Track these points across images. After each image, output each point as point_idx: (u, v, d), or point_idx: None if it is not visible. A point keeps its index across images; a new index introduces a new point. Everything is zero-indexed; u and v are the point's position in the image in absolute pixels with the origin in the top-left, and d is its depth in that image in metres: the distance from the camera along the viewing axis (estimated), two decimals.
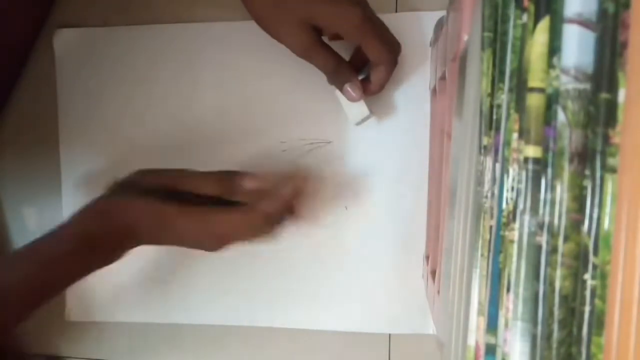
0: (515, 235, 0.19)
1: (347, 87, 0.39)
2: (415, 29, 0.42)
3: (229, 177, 0.38)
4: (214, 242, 0.37)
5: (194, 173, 0.39)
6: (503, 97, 0.20)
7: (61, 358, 0.50)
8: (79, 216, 0.37)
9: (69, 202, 0.48)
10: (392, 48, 0.38)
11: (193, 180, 0.38)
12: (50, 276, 0.36)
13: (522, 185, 0.19)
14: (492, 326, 0.20)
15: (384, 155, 0.44)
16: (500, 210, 0.20)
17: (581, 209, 0.17)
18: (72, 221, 0.37)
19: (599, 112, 0.16)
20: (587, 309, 0.17)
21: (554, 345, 0.17)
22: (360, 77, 0.40)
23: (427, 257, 0.39)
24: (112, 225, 0.36)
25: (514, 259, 0.19)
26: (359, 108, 0.40)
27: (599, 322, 0.16)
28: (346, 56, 0.41)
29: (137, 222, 0.36)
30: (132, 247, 0.37)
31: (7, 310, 0.35)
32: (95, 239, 0.36)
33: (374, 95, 0.41)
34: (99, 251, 0.36)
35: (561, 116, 0.17)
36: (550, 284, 0.18)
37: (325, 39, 0.38)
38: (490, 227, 0.21)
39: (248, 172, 0.39)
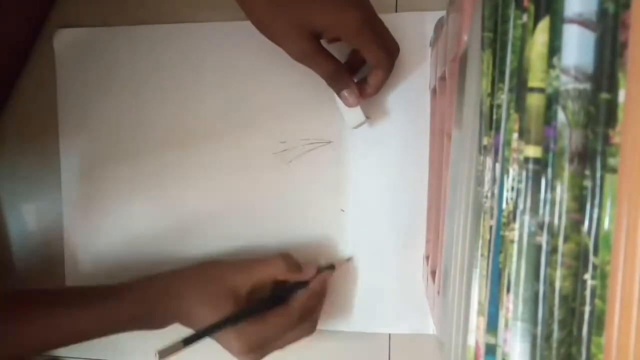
0: (515, 235, 0.19)
1: (344, 93, 0.39)
2: (415, 29, 0.42)
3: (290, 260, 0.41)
4: (256, 352, 0.38)
5: (258, 265, 0.40)
6: (503, 97, 0.20)
7: (61, 358, 0.50)
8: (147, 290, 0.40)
9: (69, 200, 0.48)
10: (390, 52, 0.38)
11: (258, 273, 0.39)
12: (96, 330, 0.39)
13: (522, 185, 0.19)
14: (492, 326, 0.20)
15: (384, 155, 0.44)
16: (500, 210, 0.20)
17: (581, 209, 0.17)
18: (136, 287, 0.39)
19: (599, 112, 0.16)
20: (587, 309, 0.16)
21: (554, 345, 0.17)
22: (357, 80, 0.40)
23: (427, 257, 0.39)
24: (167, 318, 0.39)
25: (514, 259, 0.19)
26: (356, 113, 0.41)
27: (599, 322, 0.16)
28: (343, 56, 0.41)
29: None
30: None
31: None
32: (152, 314, 0.39)
33: (373, 97, 0.41)
34: (147, 324, 0.40)
35: (561, 116, 0.17)
36: (550, 284, 0.18)
37: (323, 41, 0.38)
38: (490, 227, 0.21)
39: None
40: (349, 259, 0.44)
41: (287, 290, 0.40)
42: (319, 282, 0.40)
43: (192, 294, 0.38)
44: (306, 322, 0.39)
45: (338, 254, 0.45)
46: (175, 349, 0.36)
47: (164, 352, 0.36)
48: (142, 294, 0.39)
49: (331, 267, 0.42)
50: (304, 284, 0.40)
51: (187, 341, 0.36)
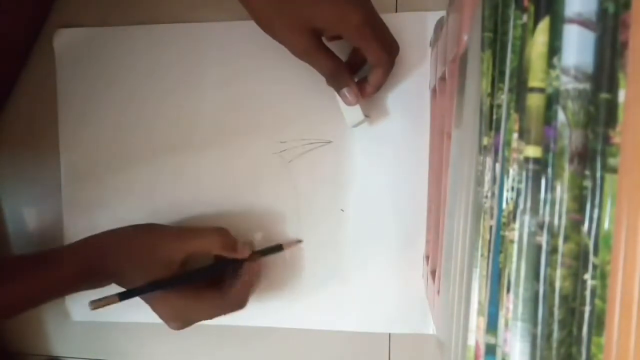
0: (515, 235, 0.19)
1: (344, 92, 0.39)
2: (415, 29, 0.42)
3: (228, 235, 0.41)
4: (184, 323, 0.40)
5: (194, 236, 0.41)
6: (503, 97, 0.20)
7: (61, 358, 0.50)
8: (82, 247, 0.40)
9: (69, 202, 0.48)
10: (390, 50, 0.38)
11: (193, 245, 0.40)
12: (45, 291, 0.39)
13: (522, 185, 0.19)
14: (492, 326, 0.20)
15: (384, 155, 0.44)
16: (500, 210, 0.20)
17: (581, 209, 0.17)
18: (72, 252, 0.40)
19: (599, 112, 0.16)
20: (587, 309, 0.16)
21: (554, 345, 0.17)
22: (357, 79, 0.40)
23: (427, 257, 0.39)
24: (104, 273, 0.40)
25: (514, 259, 0.19)
26: (355, 112, 0.41)
27: (599, 322, 0.16)
28: (344, 55, 0.41)
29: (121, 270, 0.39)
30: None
31: None
32: (91, 272, 0.39)
33: (373, 96, 0.41)
34: (88, 285, 0.40)
35: (561, 116, 0.17)
36: (550, 284, 0.17)
37: (324, 39, 0.38)
38: (490, 227, 0.21)
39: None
40: (299, 241, 0.44)
41: (221, 264, 0.41)
42: (251, 272, 0.41)
43: (126, 256, 0.39)
44: (238, 305, 0.41)
45: (338, 253, 0.45)
46: (108, 301, 0.38)
47: (98, 303, 0.37)
48: (83, 252, 0.39)
49: (278, 247, 0.43)
50: (239, 261, 0.41)
51: (122, 296, 0.38)
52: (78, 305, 0.49)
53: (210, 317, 0.40)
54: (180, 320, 0.39)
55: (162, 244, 0.39)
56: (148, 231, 0.41)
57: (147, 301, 0.40)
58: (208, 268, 0.41)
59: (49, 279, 0.38)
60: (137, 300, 0.47)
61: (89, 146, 0.48)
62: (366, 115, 0.41)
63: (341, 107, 0.41)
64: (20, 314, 0.40)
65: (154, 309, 0.40)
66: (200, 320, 0.40)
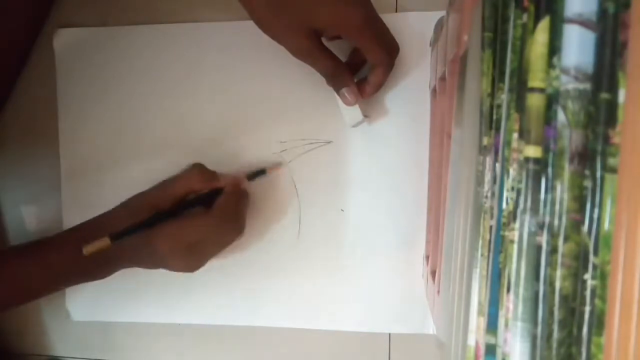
0: (515, 235, 0.19)
1: (344, 92, 0.39)
2: (415, 29, 0.42)
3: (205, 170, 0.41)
4: (189, 256, 0.39)
5: (175, 180, 0.41)
6: (503, 97, 0.20)
7: (61, 358, 0.50)
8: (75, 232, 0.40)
9: (69, 201, 0.48)
10: (390, 50, 0.38)
11: (176, 188, 0.40)
12: (44, 281, 0.39)
13: (522, 185, 0.19)
14: (492, 326, 0.20)
15: (384, 155, 0.44)
16: (500, 210, 0.20)
17: (581, 209, 0.17)
18: (72, 234, 0.40)
19: (599, 112, 0.16)
20: (587, 309, 0.17)
21: (554, 345, 0.17)
22: (357, 80, 0.40)
23: (427, 257, 0.39)
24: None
25: (514, 259, 0.19)
26: (354, 112, 0.41)
27: (599, 322, 0.16)
28: (343, 55, 0.41)
29: (121, 252, 0.39)
30: (119, 268, 0.41)
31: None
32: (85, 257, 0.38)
33: (373, 96, 0.41)
34: (88, 268, 0.40)
35: (561, 116, 0.17)
36: (550, 284, 0.18)
37: (323, 39, 0.38)
38: (490, 227, 0.21)
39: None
40: (280, 164, 0.44)
41: (205, 196, 0.41)
42: (232, 184, 0.41)
43: (121, 221, 0.39)
44: (231, 222, 0.40)
45: (338, 253, 0.45)
46: (102, 244, 0.37)
47: (91, 247, 0.37)
48: (74, 238, 0.39)
49: (261, 171, 0.43)
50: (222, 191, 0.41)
51: (114, 236, 0.37)
52: (78, 305, 0.49)
53: (214, 243, 0.39)
54: (184, 251, 0.38)
55: (150, 197, 0.40)
56: (137, 196, 0.41)
57: (147, 243, 0.38)
58: (193, 200, 0.41)
59: (47, 264, 0.38)
60: (136, 300, 0.47)
61: (88, 146, 0.48)
62: (365, 116, 0.41)
63: (340, 107, 0.41)
64: (21, 305, 0.40)
65: (156, 255, 0.39)
66: (209, 252, 0.40)
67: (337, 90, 0.40)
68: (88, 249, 0.37)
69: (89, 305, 0.48)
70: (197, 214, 0.39)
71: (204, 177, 0.41)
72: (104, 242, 0.37)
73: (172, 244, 0.38)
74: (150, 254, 0.39)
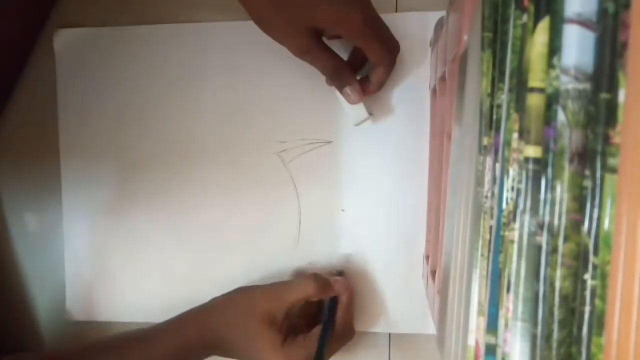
0: (515, 235, 0.19)
1: (347, 90, 0.39)
2: (415, 29, 0.42)
3: (321, 279, 0.40)
4: None
5: (290, 288, 0.39)
6: (503, 97, 0.20)
7: None
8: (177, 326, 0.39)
9: (70, 205, 0.48)
10: (391, 49, 0.39)
11: (292, 297, 0.39)
12: None
13: (522, 185, 0.19)
14: (492, 326, 0.20)
15: (384, 155, 0.44)
16: (500, 210, 0.20)
17: (581, 209, 0.17)
18: (168, 328, 0.39)
19: (599, 112, 0.16)
20: (587, 309, 0.16)
21: (554, 345, 0.17)
22: (359, 77, 0.40)
23: (427, 257, 0.39)
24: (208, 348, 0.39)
25: (514, 259, 0.19)
26: (358, 110, 0.41)
27: (599, 322, 0.16)
28: (344, 53, 0.41)
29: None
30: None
31: None
32: (189, 348, 0.38)
33: (374, 95, 0.41)
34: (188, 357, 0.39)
35: (561, 116, 0.17)
36: (550, 284, 0.17)
37: (324, 38, 0.38)
38: (490, 227, 0.21)
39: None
40: (348, 255, 0.44)
41: (331, 308, 0.40)
42: (348, 295, 0.41)
43: (226, 326, 0.38)
44: (345, 330, 0.40)
45: (338, 253, 0.44)
46: None
47: None
48: (175, 333, 0.39)
49: (341, 273, 0.43)
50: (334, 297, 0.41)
51: None
52: (78, 305, 0.49)
53: (329, 354, 0.39)
54: None
55: (261, 304, 0.38)
56: (244, 296, 0.40)
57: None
58: (328, 319, 0.40)
59: (147, 358, 0.38)
60: (137, 300, 0.47)
61: (89, 146, 0.48)
62: (370, 113, 0.41)
63: (344, 106, 0.41)
64: None
65: None
66: None
67: (340, 88, 0.40)
68: None
69: (89, 305, 0.48)
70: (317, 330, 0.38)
71: (321, 287, 0.39)
72: None
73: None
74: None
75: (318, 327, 0.39)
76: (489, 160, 0.21)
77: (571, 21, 0.17)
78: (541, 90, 0.18)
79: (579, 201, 0.17)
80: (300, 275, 0.41)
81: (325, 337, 0.38)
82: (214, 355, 0.39)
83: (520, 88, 0.19)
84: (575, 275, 0.17)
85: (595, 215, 0.17)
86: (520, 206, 0.19)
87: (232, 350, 0.39)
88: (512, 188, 0.19)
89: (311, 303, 0.40)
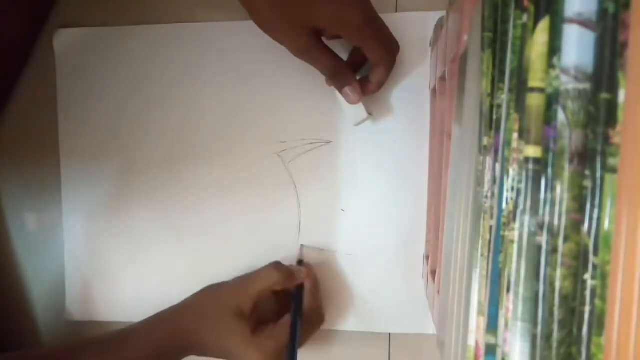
0: (515, 235, 0.19)
1: (347, 90, 0.39)
2: (415, 29, 0.42)
3: (284, 268, 0.41)
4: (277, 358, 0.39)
5: (254, 280, 0.40)
6: (503, 97, 0.20)
7: None
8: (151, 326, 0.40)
9: (69, 205, 0.48)
10: (391, 48, 0.39)
11: (255, 289, 0.40)
12: None
13: (522, 185, 0.19)
14: (492, 326, 0.20)
15: (383, 155, 0.44)
16: (500, 210, 0.20)
17: (581, 209, 0.17)
18: (141, 330, 0.40)
19: (599, 112, 0.16)
20: (587, 309, 0.16)
21: (554, 345, 0.17)
22: (358, 77, 0.40)
23: (427, 257, 0.39)
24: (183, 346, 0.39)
25: (514, 259, 0.19)
26: (358, 110, 0.41)
27: (599, 322, 0.16)
28: (344, 53, 0.41)
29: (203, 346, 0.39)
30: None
31: None
32: (163, 350, 0.39)
33: (374, 95, 0.41)
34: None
35: (561, 116, 0.17)
36: (550, 284, 0.17)
37: (324, 39, 0.38)
38: (490, 227, 0.21)
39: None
40: (301, 245, 0.45)
41: (297, 298, 0.41)
42: (311, 282, 0.42)
43: (196, 325, 0.39)
44: (320, 321, 0.41)
45: (338, 253, 0.44)
46: None
47: None
48: (147, 334, 0.39)
49: (301, 262, 0.44)
50: (299, 285, 0.41)
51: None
52: (78, 305, 0.49)
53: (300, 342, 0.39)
54: (274, 357, 0.38)
55: (229, 300, 0.39)
56: (211, 293, 0.40)
57: (237, 352, 0.38)
58: (295, 309, 0.40)
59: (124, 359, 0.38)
60: (136, 300, 0.47)
61: (89, 146, 0.48)
62: (370, 113, 0.41)
63: (343, 106, 0.41)
64: None
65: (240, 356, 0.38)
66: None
67: (340, 88, 0.40)
68: None
69: (88, 305, 0.48)
70: (285, 319, 0.39)
71: (284, 276, 0.40)
72: None
73: (263, 354, 0.38)
74: (235, 355, 0.39)
75: (287, 315, 0.39)
76: (489, 160, 0.21)
77: (571, 21, 0.17)
78: (541, 90, 0.18)
79: (579, 201, 0.17)
80: (266, 266, 0.41)
81: (296, 324, 0.39)
82: (190, 356, 0.40)
83: (520, 88, 0.19)
84: (575, 275, 0.17)
85: (595, 215, 0.17)
86: (520, 206, 0.19)
87: (205, 348, 0.39)
88: (512, 188, 0.19)
89: (278, 294, 0.41)
